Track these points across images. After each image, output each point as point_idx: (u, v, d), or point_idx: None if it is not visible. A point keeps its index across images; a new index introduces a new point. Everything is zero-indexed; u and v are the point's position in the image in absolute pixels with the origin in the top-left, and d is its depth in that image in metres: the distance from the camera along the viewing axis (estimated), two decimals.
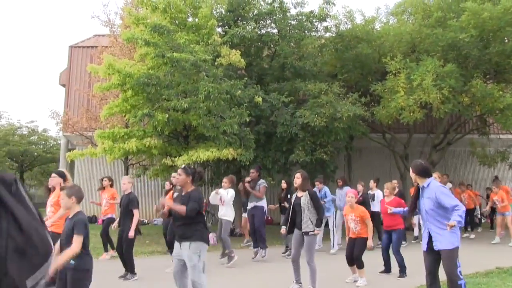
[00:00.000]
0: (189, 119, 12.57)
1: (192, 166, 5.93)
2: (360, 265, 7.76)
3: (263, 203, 10.48)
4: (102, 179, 10.82)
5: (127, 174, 16.44)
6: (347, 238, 7.99)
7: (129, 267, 8.21)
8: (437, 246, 5.46)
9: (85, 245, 4.44)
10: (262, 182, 10.55)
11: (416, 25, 15.29)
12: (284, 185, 11.73)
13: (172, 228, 8.60)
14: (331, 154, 14.42)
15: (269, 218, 16.94)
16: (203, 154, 12.17)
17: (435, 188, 5.47)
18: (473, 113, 16.00)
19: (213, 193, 9.73)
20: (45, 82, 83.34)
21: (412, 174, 5.67)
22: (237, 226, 14.27)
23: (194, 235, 5.50)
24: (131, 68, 12.76)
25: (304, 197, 7.09)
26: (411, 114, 13.63)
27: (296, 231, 7.24)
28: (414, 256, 9.92)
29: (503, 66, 14.77)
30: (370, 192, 12.26)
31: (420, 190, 5.65)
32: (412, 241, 12.94)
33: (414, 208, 5.80)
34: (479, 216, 16.78)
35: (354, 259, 7.76)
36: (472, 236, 13.74)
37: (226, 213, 9.75)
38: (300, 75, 15.09)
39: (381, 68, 15.06)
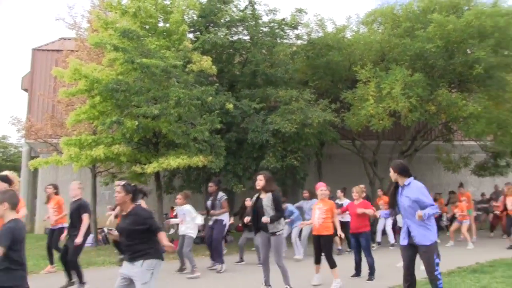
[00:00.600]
0: (159, 126, 12.37)
1: (133, 184, 5.41)
2: (332, 265, 7.77)
3: (224, 216, 10.29)
4: (45, 188, 10.09)
5: (94, 182, 16.05)
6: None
7: (78, 277, 7.78)
8: (414, 240, 5.79)
9: (10, 259, 4.06)
10: (222, 196, 10.32)
11: (385, 34, 15.60)
12: (306, 194, 11.79)
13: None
14: (302, 160, 14.46)
15: (240, 225, 16.86)
16: (174, 161, 11.98)
17: (416, 188, 5.81)
18: (439, 121, 16.43)
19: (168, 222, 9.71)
20: (5, 86, 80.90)
21: (393, 173, 5.97)
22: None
23: (147, 253, 5.07)
24: (99, 73, 12.44)
25: (266, 199, 7.04)
26: (380, 122, 13.85)
27: (262, 233, 7.18)
28: (384, 259, 10.17)
29: (466, 76, 15.21)
30: (338, 201, 12.34)
31: (400, 189, 5.95)
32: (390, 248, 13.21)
33: (394, 205, 6.09)
34: (445, 223, 17.20)
35: (326, 259, 7.80)
36: (438, 240, 14.01)
37: (187, 229, 9.50)
38: (272, 82, 15.11)
39: (352, 75, 15.25)
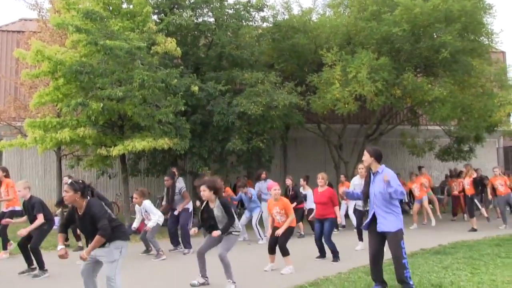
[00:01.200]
0: (124, 109, 12.26)
1: (80, 180, 5.36)
2: (285, 253, 7.84)
3: (189, 204, 10.49)
4: None
5: (59, 165, 15.82)
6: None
7: (38, 263, 7.78)
8: (381, 228, 5.91)
9: None
10: (181, 188, 10.43)
11: (352, 17, 15.62)
12: (288, 181, 12.03)
13: None
14: (267, 142, 14.52)
15: None
16: (139, 144, 11.90)
17: (388, 174, 5.88)
18: (404, 105, 16.65)
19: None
20: None
21: (369, 158, 6.09)
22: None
23: (113, 237, 5.15)
24: (63, 55, 12.20)
25: (216, 208, 6.82)
26: (346, 105, 13.95)
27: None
28: (349, 242, 10.37)
29: (432, 61, 15.33)
30: (302, 191, 12.45)
31: (372, 176, 6.08)
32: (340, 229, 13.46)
33: (368, 195, 6.16)
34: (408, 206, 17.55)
35: (279, 248, 7.85)
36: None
37: (156, 219, 9.49)
38: (237, 65, 15.06)
39: (317, 59, 15.29)
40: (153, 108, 12.33)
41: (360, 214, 10.39)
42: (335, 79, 13.97)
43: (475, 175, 13.39)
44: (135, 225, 9.79)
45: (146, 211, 9.49)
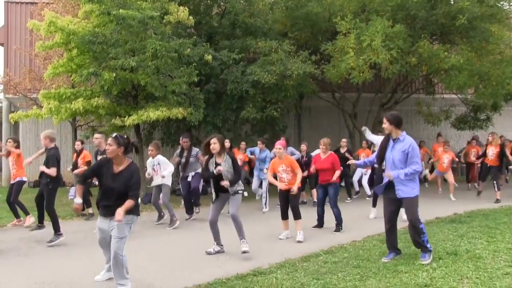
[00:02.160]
0: (137, 78, 12.26)
1: (126, 136, 5.21)
2: (297, 215, 7.82)
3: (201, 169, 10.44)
4: (6, 141, 9.79)
5: (75, 135, 15.97)
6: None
7: (54, 227, 7.80)
8: (400, 194, 5.96)
9: None
10: (198, 151, 10.29)
11: None
12: (303, 147, 11.96)
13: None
14: (281, 111, 14.49)
15: None
16: (153, 113, 11.96)
17: (408, 142, 5.88)
18: (420, 73, 16.38)
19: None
20: None
21: (389, 126, 6.00)
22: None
23: (129, 210, 4.96)
24: (75, 26, 12.21)
25: (224, 163, 6.79)
26: (361, 74, 13.76)
27: (221, 195, 6.94)
28: (356, 212, 10.39)
29: (449, 28, 14.99)
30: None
31: (392, 142, 6.00)
32: (354, 196, 13.58)
33: (382, 159, 6.13)
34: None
35: (292, 209, 7.83)
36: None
37: (163, 179, 9.49)
38: (251, 33, 14.93)
39: (331, 27, 15.04)
40: (166, 78, 12.29)
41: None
42: (350, 48, 13.76)
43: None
44: (147, 175, 9.77)
45: (159, 163, 9.45)
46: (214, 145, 6.78)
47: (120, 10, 11.64)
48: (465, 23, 13.60)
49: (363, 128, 10.23)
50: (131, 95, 13.54)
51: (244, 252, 6.70)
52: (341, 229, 8.52)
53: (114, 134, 5.19)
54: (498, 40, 15.02)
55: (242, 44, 14.52)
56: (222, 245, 7.09)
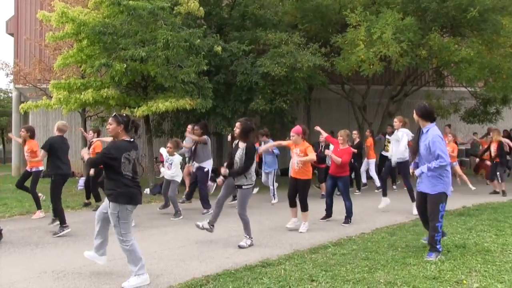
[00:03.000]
0: (147, 69, 12.31)
1: (125, 114, 5.28)
2: (305, 207, 7.88)
3: (207, 164, 10.33)
4: (20, 132, 9.82)
5: (84, 126, 16.06)
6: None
7: (59, 218, 7.79)
8: (420, 187, 5.94)
9: None
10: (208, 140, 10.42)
11: None
12: (322, 138, 11.34)
13: None
14: (290, 103, 14.48)
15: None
16: (162, 104, 12.01)
17: (431, 135, 5.70)
18: (430, 65, 16.34)
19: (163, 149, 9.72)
20: None
21: (415, 116, 5.92)
22: None
23: (111, 195, 5.02)
24: (86, 16, 12.25)
25: (240, 150, 6.76)
26: (371, 66, 13.71)
27: (230, 179, 6.88)
28: (362, 205, 10.39)
29: (459, 20, 14.89)
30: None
31: (421, 134, 5.91)
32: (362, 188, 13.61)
33: (417, 150, 5.99)
34: None
35: (300, 201, 7.88)
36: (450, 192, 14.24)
37: (173, 174, 9.52)
38: (261, 25, 14.90)
39: (341, 19, 14.98)
40: (176, 68, 12.31)
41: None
42: (360, 40, 13.69)
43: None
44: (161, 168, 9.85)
45: (171, 163, 9.50)
46: (237, 129, 6.79)
47: (130, 1, 11.68)
48: (476, 16, 13.50)
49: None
50: (140, 86, 13.59)
51: (239, 246, 6.66)
52: (350, 222, 8.52)
53: (114, 113, 5.28)
54: (509, 33, 14.85)
55: (252, 36, 14.51)
56: (213, 226, 7.01)
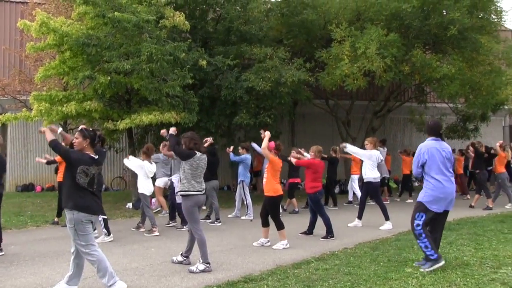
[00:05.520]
0: (131, 82, 12.22)
1: (92, 129, 5.36)
2: (279, 226, 7.62)
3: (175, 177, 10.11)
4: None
5: None
6: None
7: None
8: None
9: None
10: None
11: None
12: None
13: None
14: (275, 118, 14.47)
15: None
16: (146, 117, 11.91)
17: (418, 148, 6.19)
18: (413, 81, 16.57)
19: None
20: None
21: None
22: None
23: (67, 203, 4.98)
24: (69, 27, 12.13)
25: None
26: (355, 81, 13.85)
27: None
28: (345, 220, 10.36)
29: (441, 38, 15.23)
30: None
31: None
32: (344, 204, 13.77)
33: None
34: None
35: (272, 220, 7.65)
36: (410, 200, 14.37)
37: (142, 185, 9.25)
38: (246, 39, 14.91)
39: (326, 34, 15.12)
40: (160, 82, 12.25)
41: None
42: (344, 55, 13.85)
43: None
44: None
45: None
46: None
47: (115, 13, 11.60)
48: (456, 34, 13.90)
49: (343, 144, 10.26)
50: (124, 99, 13.49)
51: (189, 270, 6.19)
52: (332, 236, 8.45)
53: (80, 127, 5.35)
54: (487, 51, 15.37)
55: (237, 50, 14.50)
56: (186, 257, 6.61)
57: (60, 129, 5.81)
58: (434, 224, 6.12)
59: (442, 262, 5.83)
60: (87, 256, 5.01)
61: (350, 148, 9.95)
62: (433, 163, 5.94)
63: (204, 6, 15.45)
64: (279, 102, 14.16)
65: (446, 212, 6.14)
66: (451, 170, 6.08)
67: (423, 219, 5.91)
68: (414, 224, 5.95)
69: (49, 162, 9.87)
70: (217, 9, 15.67)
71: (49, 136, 5.14)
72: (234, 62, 13.77)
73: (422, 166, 6.02)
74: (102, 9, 11.73)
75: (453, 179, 6.09)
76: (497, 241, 7.07)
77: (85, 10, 12.18)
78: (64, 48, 12.22)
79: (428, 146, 6.01)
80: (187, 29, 13.46)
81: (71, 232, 5.01)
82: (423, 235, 5.87)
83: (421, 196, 6.01)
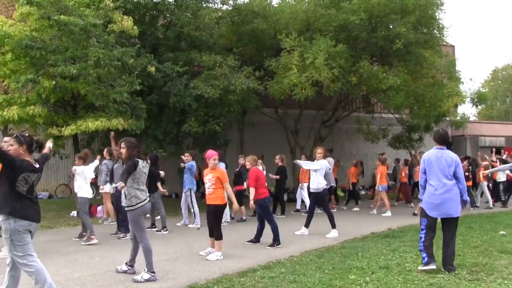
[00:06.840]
0: (77, 87, 11.92)
1: (28, 134, 5.13)
2: (218, 236, 7.45)
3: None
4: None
5: None
6: None
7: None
8: None
9: None
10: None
11: (311, 4, 15.77)
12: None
13: None
14: (224, 126, 14.46)
15: None
16: (92, 123, 11.67)
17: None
18: (360, 92, 16.96)
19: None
20: None
21: None
22: None
23: (3, 210, 4.72)
24: (10, 28, 11.70)
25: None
26: (303, 91, 14.05)
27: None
28: (292, 227, 10.39)
29: (387, 50, 15.69)
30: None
31: None
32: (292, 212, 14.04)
33: None
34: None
35: (214, 230, 7.51)
36: (356, 208, 14.70)
37: (82, 189, 9.09)
38: (196, 46, 14.86)
39: (276, 44, 15.29)
40: (108, 87, 11.99)
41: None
42: (293, 65, 14.03)
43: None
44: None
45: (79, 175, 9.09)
46: (122, 149, 6.31)
47: (62, 16, 11.30)
48: (401, 48, 14.40)
49: (296, 161, 10.80)
50: (69, 104, 13.14)
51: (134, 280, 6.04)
52: (278, 244, 8.47)
53: (15, 134, 5.07)
54: (430, 65, 16.06)
55: (186, 57, 14.42)
56: (131, 266, 6.48)
57: None
58: (443, 232, 6.46)
59: (432, 267, 6.15)
60: (25, 267, 4.77)
61: (302, 164, 10.63)
62: (431, 170, 6.26)
63: (154, 12, 15.33)
64: (228, 110, 14.17)
65: (452, 219, 6.32)
66: (451, 177, 6.21)
67: (425, 223, 6.33)
68: (420, 229, 6.40)
69: None
70: (168, 15, 15.56)
71: None
72: (184, 69, 13.68)
73: (425, 173, 6.38)
74: (47, 11, 11.43)
75: (453, 185, 6.19)
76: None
77: (29, 10, 11.87)
78: (5, 49, 11.80)
79: (429, 155, 6.38)
80: (136, 35, 13.28)
81: (6, 242, 4.77)
82: (422, 239, 6.33)
83: (422, 202, 6.47)
